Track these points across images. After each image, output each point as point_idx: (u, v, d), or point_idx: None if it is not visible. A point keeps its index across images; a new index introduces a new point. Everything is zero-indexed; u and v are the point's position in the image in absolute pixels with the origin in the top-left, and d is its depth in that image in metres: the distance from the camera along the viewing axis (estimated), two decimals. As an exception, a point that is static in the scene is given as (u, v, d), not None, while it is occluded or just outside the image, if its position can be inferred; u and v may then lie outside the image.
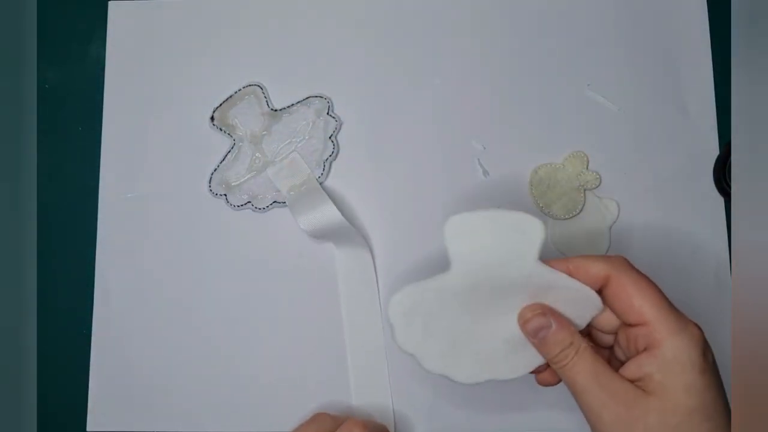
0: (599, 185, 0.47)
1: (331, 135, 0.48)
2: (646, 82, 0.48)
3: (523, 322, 0.35)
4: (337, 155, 0.48)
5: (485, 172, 0.48)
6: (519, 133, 0.48)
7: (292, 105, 0.49)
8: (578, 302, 0.35)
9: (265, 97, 0.49)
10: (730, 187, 0.45)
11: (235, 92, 0.49)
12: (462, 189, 0.48)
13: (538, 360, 0.36)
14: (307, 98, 0.49)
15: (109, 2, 0.51)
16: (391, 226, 0.47)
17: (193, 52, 0.50)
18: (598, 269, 0.33)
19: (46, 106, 0.49)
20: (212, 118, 0.48)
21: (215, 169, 0.48)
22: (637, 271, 0.34)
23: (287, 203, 0.47)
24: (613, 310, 0.34)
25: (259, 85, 0.49)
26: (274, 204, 0.47)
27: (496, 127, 0.48)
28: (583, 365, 0.33)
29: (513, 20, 0.50)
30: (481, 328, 0.35)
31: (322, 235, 0.46)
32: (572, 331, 0.34)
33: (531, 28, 0.49)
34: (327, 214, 0.46)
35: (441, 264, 0.45)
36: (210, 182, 0.48)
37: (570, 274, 0.34)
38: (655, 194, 0.47)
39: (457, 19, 0.50)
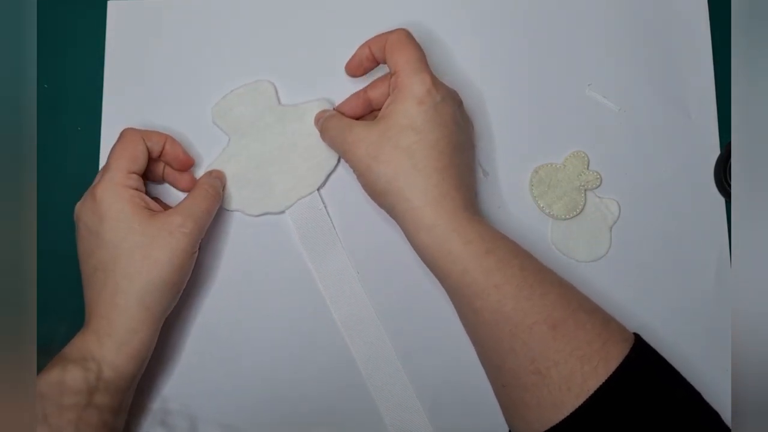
0: (600, 185, 0.47)
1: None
2: (647, 82, 0.48)
3: (316, 119, 0.47)
4: (336, 167, 0.48)
5: (485, 172, 0.48)
6: (519, 133, 0.48)
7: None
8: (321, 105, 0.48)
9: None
10: (731, 188, 0.45)
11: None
12: (462, 189, 0.48)
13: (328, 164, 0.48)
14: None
15: (109, 2, 0.51)
16: (390, 228, 0.47)
17: (193, 52, 0.50)
18: (381, 39, 0.44)
19: (46, 106, 0.49)
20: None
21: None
22: (409, 39, 0.43)
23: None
24: (390, 67, 0.44)
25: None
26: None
27: (496, 127, 0.48)
28: (338, 117, 0.45)
29: (513, 20, 0.50)
30: (276, 169, 0.47)
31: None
32: (335, 112, 0.46)
33: (531, 28, 0.49)
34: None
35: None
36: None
37: (370, 50, 0.45)
38: (655, 194, 0.47)
39: (457, 19, 0.50)
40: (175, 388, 0.46)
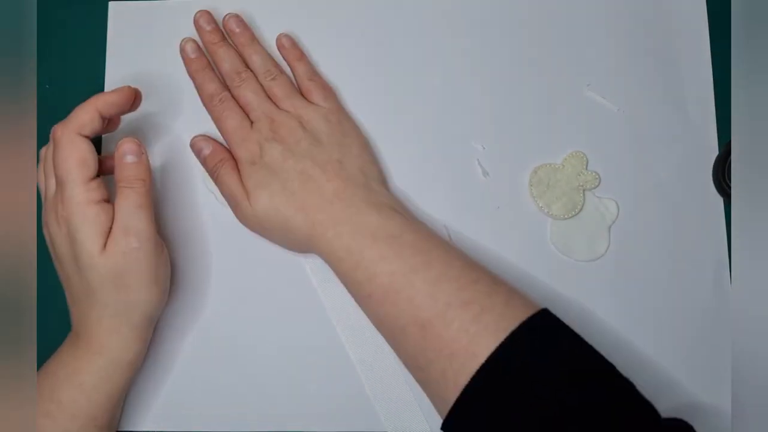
0: (598, 185, 0.47)
1: None
2: (646, 82, 0.48)
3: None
4: None
5: (485, 172, 0.48)
6: (519, 133, 0.48)
7: None
8: None
9: None
10: (730, 187, 0.45)
11: None
12: (462, 189, 0.48)
13: None
14: None
15: (109, 2, 0.51)
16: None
17: (193, 52, 0.50)
18: None
19: (46, 106, 0.49)
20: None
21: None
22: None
23: None
24: None
25: None
26: None
27: (496, 127, 0.48)
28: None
29: (513, 20, 0.50)
30: None
31: None
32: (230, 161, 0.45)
33: (531, 28, 0.50)
34: None
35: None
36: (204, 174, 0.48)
37: None
38: (654, 194, 0.47)
39: (457, 19, 0.50)
40: (172, 392, 0.46)
